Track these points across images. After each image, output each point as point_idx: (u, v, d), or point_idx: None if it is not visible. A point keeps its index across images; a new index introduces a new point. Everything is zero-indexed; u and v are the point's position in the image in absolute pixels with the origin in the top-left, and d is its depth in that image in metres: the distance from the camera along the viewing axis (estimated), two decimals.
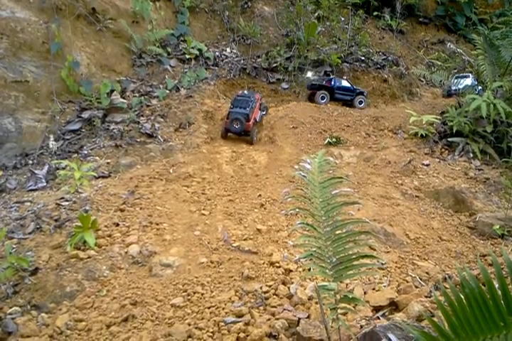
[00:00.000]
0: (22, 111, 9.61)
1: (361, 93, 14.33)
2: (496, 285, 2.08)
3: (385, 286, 5.02)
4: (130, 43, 12.46)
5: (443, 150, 10.10)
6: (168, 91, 12.04)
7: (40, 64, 10.10)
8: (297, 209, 3.64)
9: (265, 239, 6.39)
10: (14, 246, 6.10)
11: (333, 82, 13.90)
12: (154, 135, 10.13)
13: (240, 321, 4.35)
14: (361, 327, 3.97)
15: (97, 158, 9.32)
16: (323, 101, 13.63)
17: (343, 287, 4.97)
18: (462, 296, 2.16)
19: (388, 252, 6.18)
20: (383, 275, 5.38)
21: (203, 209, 7.56)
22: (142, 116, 10.89)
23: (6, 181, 8.67)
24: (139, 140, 9.93)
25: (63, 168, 8.65)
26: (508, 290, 2.03)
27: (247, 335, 4.13)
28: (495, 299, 2.07)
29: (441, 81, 11.90)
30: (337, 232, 3.36)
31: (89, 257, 5.76)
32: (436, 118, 10.66)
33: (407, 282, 5.19)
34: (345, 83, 14.13)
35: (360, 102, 14.30)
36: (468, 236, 6.90)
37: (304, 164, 3.82)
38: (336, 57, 14.53)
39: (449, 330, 2.20)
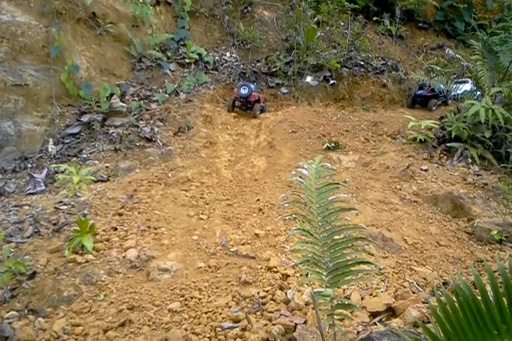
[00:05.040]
0: (21, 115, 9.61)
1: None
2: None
3: (382, 292, 5.02)
4: (130, 47, 12.48)
5: (441, 155, 10.08)
6: (167, 96, 12.05)
7: (40, 67, 10.12)
8: (294, 215, 3.65)
9: (263, 243, 6.39)
10: (12, 250, 6.09)
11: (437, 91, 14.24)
12: (153, 139, 10.13)
13: (237, 326, 4.35)
14: (358, 333, 3.98)
15: (96, 161, 9.33)
16: (434, 108, 14.24)
17: (340, 292, 4.97)
18: (456, 303, 2.17)
19: (386, 257, 6.18)
20: (381, 281, 5.38)
21: (202, 214, 7.56)
22: (141, 120, 10.89)
23: (5, 185, 8.68)
24: (138, 144, 9.92)
25: (62, 172, 8.63)
26: (502, 298, 2.04)
27: None
28: (488, 307, 2.07)
29: (440, 86, 11.92)
30: (334, 238, 3.37)
31: (87, 261, 5.77)
32: (434, 124, 10.66)
33: (405, 287, 5.19)
34: (443, 86, 14.20)
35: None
36: (466, 241, 6.89)
37: (301, 170, 3.84)
38: (336, 62, 14.52)
39: (443, 338, 2.20)
